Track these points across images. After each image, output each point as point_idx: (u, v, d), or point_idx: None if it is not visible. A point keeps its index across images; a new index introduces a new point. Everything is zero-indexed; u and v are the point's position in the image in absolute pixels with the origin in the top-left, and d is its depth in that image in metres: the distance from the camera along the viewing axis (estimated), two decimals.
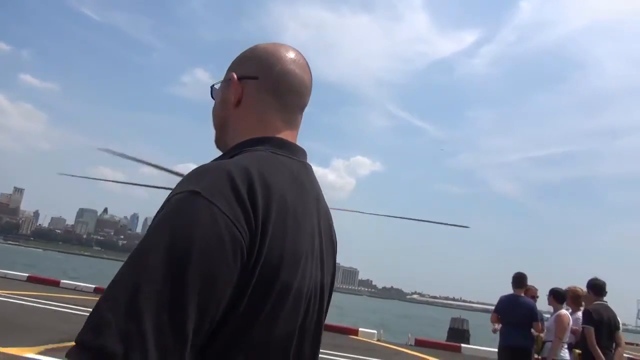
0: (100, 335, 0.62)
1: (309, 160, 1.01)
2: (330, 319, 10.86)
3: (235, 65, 1.03)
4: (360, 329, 13.79)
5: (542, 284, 6.71)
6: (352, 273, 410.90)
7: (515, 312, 5.78)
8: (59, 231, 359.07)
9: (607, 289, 5.34)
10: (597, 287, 5.22)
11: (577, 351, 5.52)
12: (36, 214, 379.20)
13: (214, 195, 0.73)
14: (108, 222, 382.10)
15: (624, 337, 5.38)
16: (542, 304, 6.19)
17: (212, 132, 1.06)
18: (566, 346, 5.78)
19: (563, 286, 6.13)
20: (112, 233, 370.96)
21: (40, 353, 6.52)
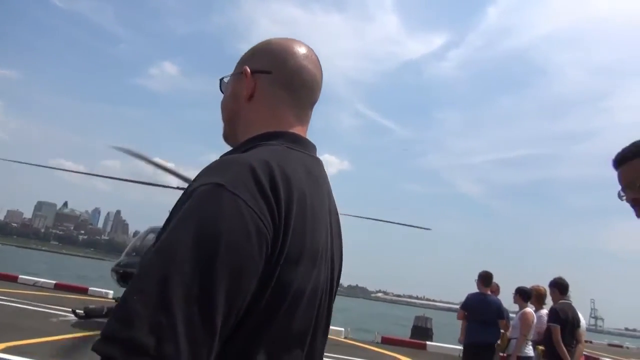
0: (130, 328, 0.62)
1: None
2: None
3: (247, 59, 1.03)
4: None
5: (502, 282, 6.90)
6: None
7: (484, 310, 5.94)
8: (15, 225, 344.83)
9: None
10: (562, 286, 5.41)
11: (540, 347, 5.73)
12: None
13: (239, 188, 0.73)
14: (68, 216, 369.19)
15: (584, 334, 5.60)
16: (503, 302, 6.38)
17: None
18: (530, 343, 6.00)
19: (521, 284, 6.34)
20: (72, 228, 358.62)
21: (2, 351, 6.27)
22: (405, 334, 16.18)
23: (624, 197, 1.39)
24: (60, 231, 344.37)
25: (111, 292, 14.80)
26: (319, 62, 1.04)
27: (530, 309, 6.09)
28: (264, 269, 0.73)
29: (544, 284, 6.18)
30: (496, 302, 6.11)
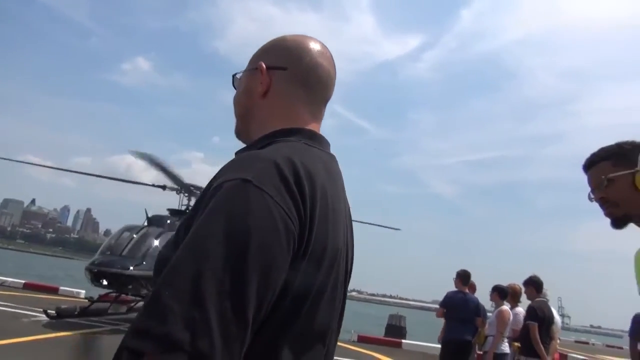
0: (164, 323, 0.61)
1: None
2: None
3: (261, 55, 1.02)
4: None
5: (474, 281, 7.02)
6: None
7: (464, 308, 6.08)
8: None
9: None
10: (538, 284, 5.55)
11: (516, 344, 5.86)
12: None
13: (266, 185, 0.73)
14: (36, 214, 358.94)
15: (558, 331, 5.75)
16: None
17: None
18: (506, 340, 6.14)
19: (491, 283, 6.51)
20: (40, 226, 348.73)
21: None
22: (379, 333, 16.31)
23: (593, 198, 1.50)
24: (27, 229, 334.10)
25: (83, 291, 14.47)
26: (332, 59, 1.05)
27: (506, 307, 6.23)
28: (290, 265, 0.74)
29: (512, 282, 6.36)
30: (475, 301, 6.26)
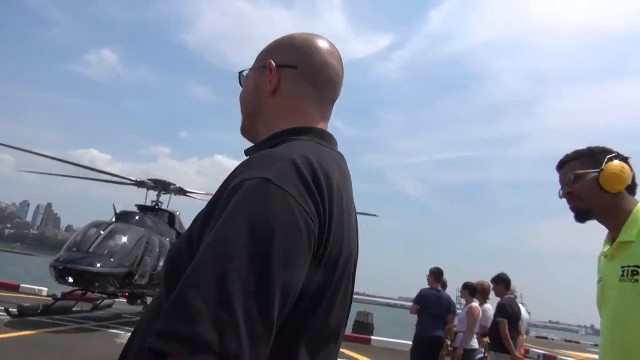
0: (192, 324, 0.60)
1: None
2: None
3: (270, 53, 1.01)
4: None
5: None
6: None
7: (437, 305, 6.20)
8: None
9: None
10: (507, 282, 5.71)
11: (486, 340, 6.03)
12: None
13: (286, 184, 0.73)
14: None
15: (523, 326, 5.94)
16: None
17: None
18: (475, 336, 6.30)
19: (457, 281, 6.68)
20: None
21: None
22: (347, 329, 16.42)
23: (562, 194, 1.69)
24: None
25: (45, 289, 14.00)
26: (341, 58, 1.05)
27: (476, 304, 6.38)
28: (310, 265, 0.74)
29: (481, 280, 6.55)
30: (448, 298, 6.40)
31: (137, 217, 11.93)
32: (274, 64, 0.97)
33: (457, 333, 6.39)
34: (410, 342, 6.59)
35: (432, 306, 6.18)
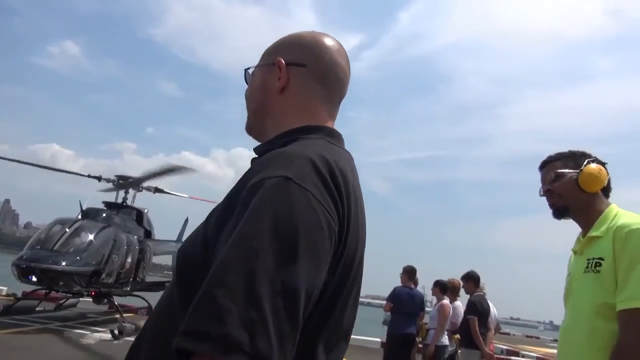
0: (223, 324, 0.60)
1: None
2: None
3: (278, 51, 1.00)
4: None
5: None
6: None
7: (411, 303, 6.28)
8: None
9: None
10: (476, 280, 5.85)
11: (456, 337, 6.16)
12: None
13: (307, 182, 0.73)
14: None
15: (494, 322, 6.10)
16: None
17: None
18: (446, 333, 6.43)
19: (424, 279, 6.83)
20: None
21: None
22: None
23: (542, 193, 1.79)
24: None
25: (4, 288, 13.47)
26: (347, 57, 1.05)
27: (446, 301, 6.51)
28: (330, 263, 0.74)
29: (452, 277, 6.70)
30: (420, 296, 6.54)
31: (104, 215, 11.61)
32: (283, 62, 0.96)
33: (428, 330, 6.51)
34: (380, 340, 6.67)
35: (405, 304, 6.26)
